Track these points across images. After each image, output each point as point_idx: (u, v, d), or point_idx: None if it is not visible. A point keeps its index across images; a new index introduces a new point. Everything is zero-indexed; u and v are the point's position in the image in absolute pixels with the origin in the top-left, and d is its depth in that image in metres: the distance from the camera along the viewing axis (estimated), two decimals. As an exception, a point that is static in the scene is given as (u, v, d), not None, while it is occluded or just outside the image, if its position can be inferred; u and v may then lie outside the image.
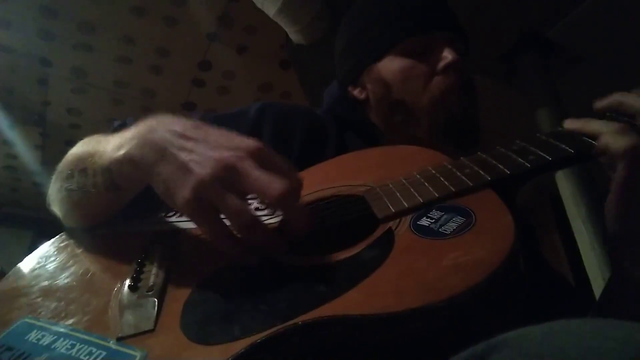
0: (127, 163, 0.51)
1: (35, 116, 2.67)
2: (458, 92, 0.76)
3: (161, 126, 0.50)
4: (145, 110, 2.63)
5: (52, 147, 2.94)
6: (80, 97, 2.59)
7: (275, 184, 0.44)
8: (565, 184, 1.85)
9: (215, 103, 2.70)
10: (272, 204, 0.48)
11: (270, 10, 1.78)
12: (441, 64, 0.76)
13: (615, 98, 0.53)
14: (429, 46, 0.78)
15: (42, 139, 2.88)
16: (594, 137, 0.50)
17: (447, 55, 0.76)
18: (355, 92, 0.85)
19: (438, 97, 0.76)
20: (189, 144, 0.47)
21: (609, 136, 0.48)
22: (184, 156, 0.46)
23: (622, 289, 0.56)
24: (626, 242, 0.53)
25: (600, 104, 0.54)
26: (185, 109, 2.70)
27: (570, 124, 0.54)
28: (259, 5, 1.80)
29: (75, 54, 2.33)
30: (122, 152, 0.51)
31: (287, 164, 0.48)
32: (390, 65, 0.80)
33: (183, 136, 0.48)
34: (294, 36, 1.87)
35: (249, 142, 0.47)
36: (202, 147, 0.47)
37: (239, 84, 2.60)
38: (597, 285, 1.69)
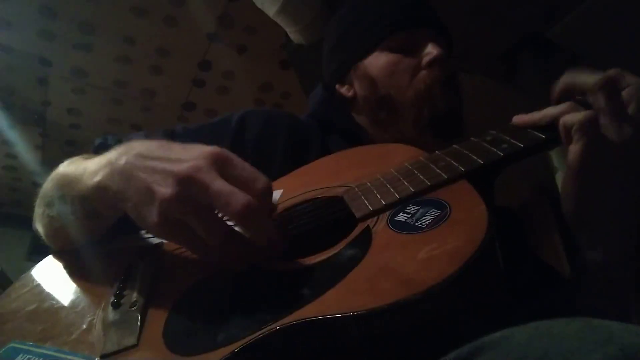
0: (102, 191, 0.50)
1: (35, 116, 2.66)
2: (442, 86, 0.77)
3: (128, 151, 0.49)
4: (145, 110, 2.63)
5: (52, 147, 2.93)
6: (80, 97, 2.58)
7: (235, 199, 0.41)
8: (565, 184, 1.85)
9: (215, 103, 2.70)
10: (233, 220, 0.44)
11: (270, 10, 1.77)
12: (426, 59, 0.78)
13: (565, 81, 0.53)
14: (414, 42, 0.80)
15: (42, 139, 2.87)
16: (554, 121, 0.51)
17: (432, 50, 0.77)
18: (343, 90, 0.86)
19: (423, 91, 0.77)
20: (152, 164, 0.46)
21: (565, 116, 0.49)
22: (146, 177, 0.45)
23: (582, 275, 0.56)
24: (583, 225, 0.53)
25: (555, 90, 0.55)
26: (185, 109, 2.69)
27: (519, 119, 0.54)
28: (259, 5, 1.79)
29: (75, 54, 2.32)
30: (96, 180, 0.51)
31: (252, 170, 0.46)
32: (377, 61, 0.80)
33: (147, 157, 0.47)
34: (294, 36, 1.87)
35: (208, 150, 0.45)
36: (162, 165, 0.45)
37: (239, 84, 2.60)
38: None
